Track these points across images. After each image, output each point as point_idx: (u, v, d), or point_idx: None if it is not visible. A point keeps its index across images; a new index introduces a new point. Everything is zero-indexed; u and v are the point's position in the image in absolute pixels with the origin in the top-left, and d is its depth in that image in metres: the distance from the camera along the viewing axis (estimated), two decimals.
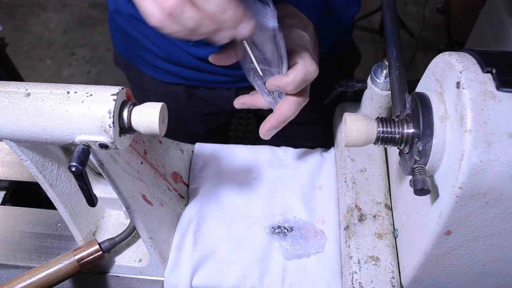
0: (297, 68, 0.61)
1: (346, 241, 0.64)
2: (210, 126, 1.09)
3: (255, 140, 2.18)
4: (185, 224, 0.70)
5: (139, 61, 0.95)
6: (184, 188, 0.76)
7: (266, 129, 0.66)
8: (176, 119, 1.05)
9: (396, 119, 0.50)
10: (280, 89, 0.62)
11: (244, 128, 2.23)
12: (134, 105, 0.49)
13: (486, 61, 0.44)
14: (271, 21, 0.56)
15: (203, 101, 0.99)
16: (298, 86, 0.61)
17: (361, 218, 0.65)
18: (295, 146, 0.81)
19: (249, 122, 2.24)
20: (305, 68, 0.61)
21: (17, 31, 2.74)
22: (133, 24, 0.86)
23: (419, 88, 0.56)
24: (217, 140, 1.09)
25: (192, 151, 0.80)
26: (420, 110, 0.47)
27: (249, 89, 0.98)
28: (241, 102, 0.71)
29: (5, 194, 0.82)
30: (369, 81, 0.70)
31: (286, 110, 0.64)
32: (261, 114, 1.09)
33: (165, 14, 0.47)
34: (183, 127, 1.08)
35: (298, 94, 0.64)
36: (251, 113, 2.19)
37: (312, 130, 1.09)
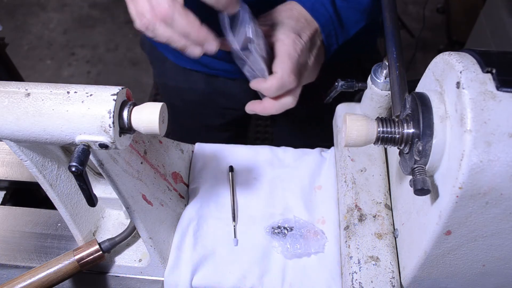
0: (274, 77, 0.66)
1: (346, 241, 0.64)
2: (226, 119, 1.09)
3: (255, 140, 2.18)
4: (185, 224, 0.70)
5: (163, 45, 0.95)
6: (184, 188, 0.76)
7: (249, 109, 0.73)
8: (193, 109, 1.05)
9: (396, 119, 0.50)
10: (260, 91, 0.68)
11: (263, 129, 2.22)
12: (134, 105, 0.49)
13: (486, 61, 0.44)
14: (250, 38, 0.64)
15: (222, 92, 0.99)
16: (275, 92, 0.67)
17: (361, 218, 0.65)
18: (295, 146, 0.81)
19: (257, 123, 2.23)
20: (281, 79, 0.65)
21: (17, 31, 2.74)
22: None
23: (419, 88, 0.56)
24: (231, 133, 1.09)
25: (192, 151, 0.80)
26: (420, 110, 0.47)
27: None
28: (250, 109, 0.74)
29: (5, 194, 0.82)
30: (369, 81, 0.70)
31: (269, 107, 0.70)
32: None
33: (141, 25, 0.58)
34: (199, 117, 1.08)
35: (281, 97, 0.69)
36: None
37: (312, 130, 1.09)
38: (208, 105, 1.04)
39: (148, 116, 0.48)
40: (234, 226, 0.70)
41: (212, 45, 0.60)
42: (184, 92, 1.01)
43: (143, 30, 0.59)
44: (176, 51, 0.94)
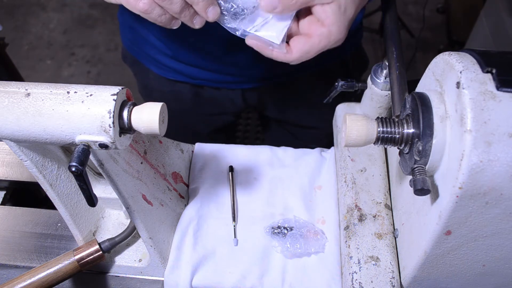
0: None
1: (346, 241, 0.64)
2: (213, 126, 1.09)
3: (255, 140, 2.18)
4: (185, 224, 0.70)
5: (146, 58, 0.95)
6: (184, 188, 0.76)
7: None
8: (180, 118, 1.05)
9: (396, 119, 0.50)
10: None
11: (244, 128, 2.23)
12: (134, 105, 0.49)
13: (486, 61, 0.44)
14: None
15: (208, 101, 0.99)
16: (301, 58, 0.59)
17: (361, 218, 0.65)
18: (295, 147, 0.81)
19: (249, 122, 2.24)
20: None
21: (17, 31, 2.74)
22: (141, 20, 0.87)
23: (419, 88, 0.56)
24: (220, 140, 1.10)
25: (192, 151, 0.80)
26: (420, 110, 0.47)
27: (255, 89, 0.98)
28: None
29: (5, 194, 0.82)
30: (369, 81, 0.70)
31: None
32: (265, 115, 1.10)
33: None
34: (186, 126, 1.08)
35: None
36: (251, 113, 2.18)
37: (312, 131, 1.09)
38: (194, 113, 1.04)
39: (148, 116, 0.48)
40: (234, 226, 0.70)
41: (215, 10, 0.55)
42: (169, 102, 1.00)
43: (142, 14, 0.56)
44: (158, 62, 0.94)
